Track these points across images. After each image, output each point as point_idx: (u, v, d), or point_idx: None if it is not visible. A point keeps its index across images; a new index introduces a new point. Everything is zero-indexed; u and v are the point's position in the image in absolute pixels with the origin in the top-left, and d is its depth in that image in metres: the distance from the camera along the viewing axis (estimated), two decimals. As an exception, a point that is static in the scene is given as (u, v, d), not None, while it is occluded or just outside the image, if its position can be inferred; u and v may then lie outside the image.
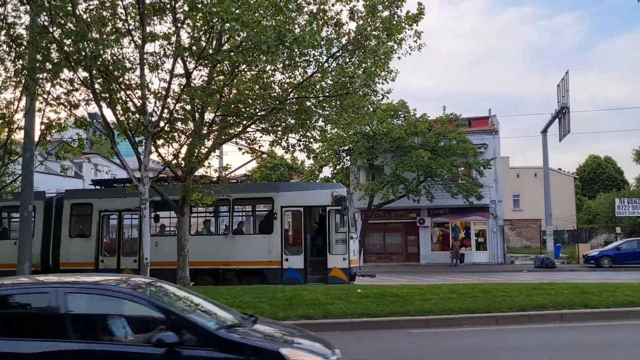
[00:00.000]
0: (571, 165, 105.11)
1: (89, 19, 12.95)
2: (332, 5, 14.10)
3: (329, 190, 17.24)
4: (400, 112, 32.77)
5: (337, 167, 35.00)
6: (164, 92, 13.90)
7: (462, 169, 32.59)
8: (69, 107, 14.47)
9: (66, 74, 13.79)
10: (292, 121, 16.01)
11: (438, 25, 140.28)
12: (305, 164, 47.03)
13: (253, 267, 16.75)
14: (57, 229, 18.48)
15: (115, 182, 20.68)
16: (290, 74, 15.46)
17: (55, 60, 13.06)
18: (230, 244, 17.28)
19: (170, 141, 15.15)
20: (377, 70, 14.38)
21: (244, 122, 15.85)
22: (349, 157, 33.86)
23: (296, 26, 12.93)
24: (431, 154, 29.95)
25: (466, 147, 30.95)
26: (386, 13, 13.96)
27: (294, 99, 15.17)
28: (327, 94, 15.03)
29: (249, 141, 17.09)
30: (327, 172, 35.90)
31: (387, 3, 13.78)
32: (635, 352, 8.51)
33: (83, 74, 13.43)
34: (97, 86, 13.31)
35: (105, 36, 12.62)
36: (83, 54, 12.42)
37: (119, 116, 13.96)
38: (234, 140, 16.74)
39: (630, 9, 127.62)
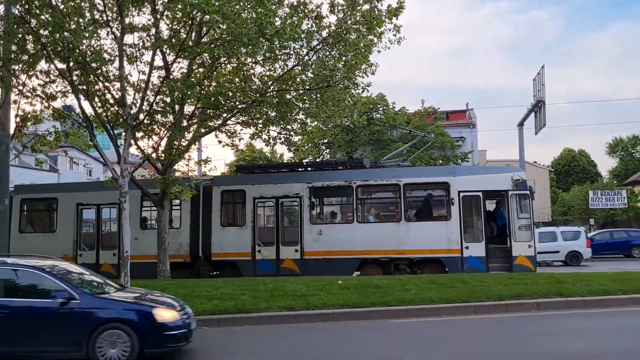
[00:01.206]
0: (546, 158, 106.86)
1: (65, 10, 12.75)
2: (313, -3, 14.12)
3: (509, 173, 16.30)
4: (379, 105, 32.99)
5: (317, 159, 35.09)
6: (143, 85, 13.80)
7: (441, 162, 32.96)
8: (45, 99, 14.25)
9: (42, 65, 13.60)
10: (273, 114, 16.02)
11: (417, 18, 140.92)
12: (284, 156, 47.03)
13: (431, 255, 15.96)
14: (207, 217, 17.37)
15: (268, 168, 19.42)
16: (271, 66, 15.46)
17: (32, 52, 12.85)
18: (404, 231, 16.19)
19: (150, 134, 15.03)
20: (358, 63, 14.46)
21: (224, 115, 15.81)
22: (328, 149, 33.98)
23: (277, 19, 12.94)
24: (410, 147, 30.19)
25: (444, 141, 31.37)
26: (366, 7, 14.04)
27: (275, 92, 15.18)
28: (308, 87, 15.07)
29: (229, 134, 17.05)
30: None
31: (367, -4, 13.85)
32: (607, 338, 8.76)
33: (60, 65, 13.24)
34: (74, 78, 13.14)
35: (83, 27, 12.44)
36: (60, 45, 12.24)
37: (97, 108, 13.81)
38: (214, 132, 16.70)
39: (606, 4, 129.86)
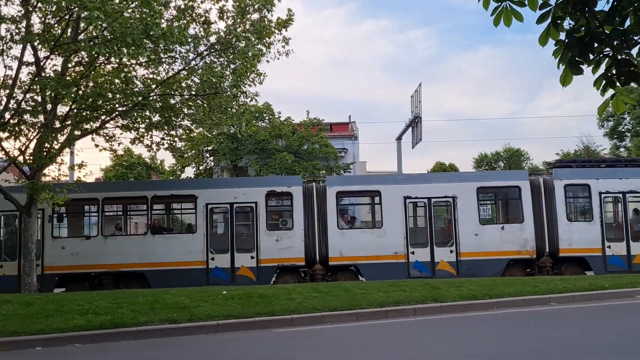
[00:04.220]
0: (421, 170, 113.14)
1: None
2: (201, 2, 13.89)
3: None
4: (265, 115, 33.07)
5: (200, 167, 34.31)
6: (10, 81, 12.67)
7: (324, 172, 33.68)
8: None
9: None
10: (156, 119, 15.41)
11: (302, 29, 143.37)
12: (165, 163, 45.49)
13: None
14: (550, 211, 16.98)
15: (613, 162, 18.52)
16: (155, 69, 14.91)
17: None
18: None
19: (17, 134, 13.77)
20: (247, 72, 14.42)
21: (103, 117, 14.94)
22: (212, 157, 33.40)
23: (163, 21, 12.54)
24: (294, 157, 30.62)
25: (328, 151, 32.16)
26: (256, 16, 14.07)
27: (158, 96, 14.63)
28: (194, 93, 14.73)
29: (107, 137, 16.11)
30: (189, 172, 35.01)
31: (257, 6, 13.88)
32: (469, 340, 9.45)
33: None
34: None
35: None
36: None
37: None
38: (90, 136, 15.68)
39: (474, 28, 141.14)
